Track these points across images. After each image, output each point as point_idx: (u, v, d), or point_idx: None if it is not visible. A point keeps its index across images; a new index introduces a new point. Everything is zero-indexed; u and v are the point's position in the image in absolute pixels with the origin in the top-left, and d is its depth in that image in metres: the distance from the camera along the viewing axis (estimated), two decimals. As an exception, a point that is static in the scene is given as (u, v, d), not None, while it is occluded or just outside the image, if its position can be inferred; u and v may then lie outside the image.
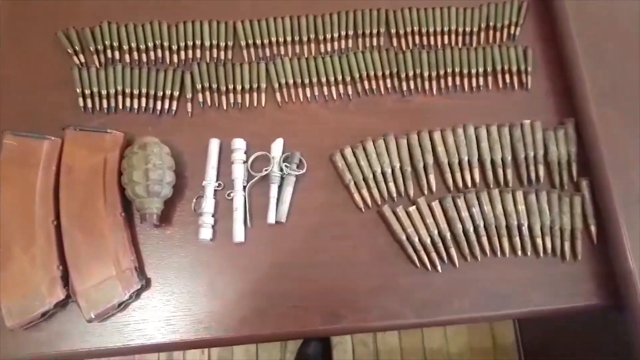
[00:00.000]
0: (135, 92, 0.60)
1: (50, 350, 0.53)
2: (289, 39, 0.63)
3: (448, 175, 0.59)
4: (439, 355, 1.17)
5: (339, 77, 0.62)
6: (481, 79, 0.63)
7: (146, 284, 0.54)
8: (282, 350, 1.16)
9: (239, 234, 0.56)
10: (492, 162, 0.60)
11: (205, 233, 0.55)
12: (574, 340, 0.82)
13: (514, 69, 0.63)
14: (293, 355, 1.14)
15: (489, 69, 0.63)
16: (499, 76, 0.63)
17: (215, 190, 0.57)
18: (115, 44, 0.62)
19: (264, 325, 0.54)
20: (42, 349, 0.53)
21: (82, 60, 0.61)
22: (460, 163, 0.59)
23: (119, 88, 0.60)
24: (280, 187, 0.57)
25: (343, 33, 0.64)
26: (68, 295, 0.52)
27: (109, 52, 0.61)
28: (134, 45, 0.62)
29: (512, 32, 0.65)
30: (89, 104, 0.60)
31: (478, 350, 1.18)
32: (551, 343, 0.98)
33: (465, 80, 0.63)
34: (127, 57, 0.62)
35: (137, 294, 0.54)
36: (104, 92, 0.60)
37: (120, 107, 0.60)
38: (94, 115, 0.60)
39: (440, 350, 1.17)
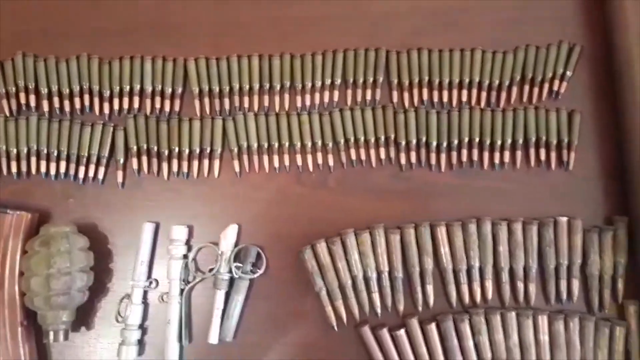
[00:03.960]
0: (54, 152, 0.47)
1: None
2: (256, 86, 0.48)
3: (451, 287, 0.45)
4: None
5: (319, 142, 0.47)
6: (507, 154, 0.47)
7: (52, 412, 0.43)
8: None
9: (171, 354, 0.43)
10: (512, 271, 0.45)
11: (128, 353, 0.43)
12: None
13: (554, 140, 0.47)
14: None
15: (520, 139, 0.47)
16: (532, 150, 0.47)
17: (145, 291, 0.45)
18: (31, 85, 0.47)
19: None
20: None
21: (-11, 105, 0.48)
22: (469, 271, 0.45)
23: (33, 147, 0.47)
24: (228, 294, 0.44)
25: (328, 81, 0.48)
26: None
27: (22, 95, 0.48)
28: (54, 88, 0.47)
29: (555, 88, 0.48)
30: (-6, 166, 0.47)
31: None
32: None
33: (486, 154, 0.47)
34: (45, 103, 0.48)
35: None
36: (13, 151, 0.47)
37: (34, 171, 0.47)
38: (0, 180, 0.47)
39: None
